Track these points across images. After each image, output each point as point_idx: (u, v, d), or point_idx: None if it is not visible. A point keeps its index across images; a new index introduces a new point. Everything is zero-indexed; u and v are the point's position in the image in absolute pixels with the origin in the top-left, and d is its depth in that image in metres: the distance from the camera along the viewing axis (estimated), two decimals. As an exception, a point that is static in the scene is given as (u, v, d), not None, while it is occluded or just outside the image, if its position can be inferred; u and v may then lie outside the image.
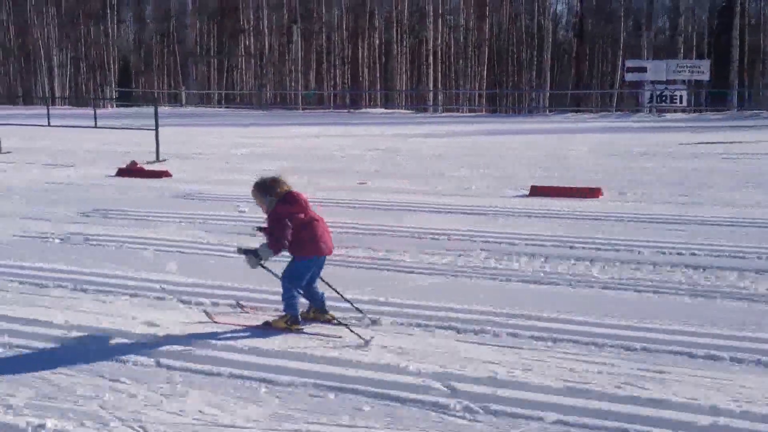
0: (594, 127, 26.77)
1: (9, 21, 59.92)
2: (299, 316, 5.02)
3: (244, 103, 52.13)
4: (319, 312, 5.16)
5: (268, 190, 4.99)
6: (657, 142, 20.30)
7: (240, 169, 14.58)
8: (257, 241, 5.49)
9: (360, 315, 5.18)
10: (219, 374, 4.20)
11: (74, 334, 4.88)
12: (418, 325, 5.04)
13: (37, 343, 4.72)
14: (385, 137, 22.24)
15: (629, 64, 39.32)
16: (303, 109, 44.64)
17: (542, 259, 6.95)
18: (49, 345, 4.70)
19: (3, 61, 61.68)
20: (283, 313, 5.03)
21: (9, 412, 3.72)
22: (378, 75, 53.38)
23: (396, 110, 43.68)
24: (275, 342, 4.72)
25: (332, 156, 16.98)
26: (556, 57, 54.36)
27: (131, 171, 13.89)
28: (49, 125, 18.94)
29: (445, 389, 3.97)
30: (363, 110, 42.17)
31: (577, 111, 40.83)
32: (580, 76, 53.89)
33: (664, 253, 7.15)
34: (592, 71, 54.56)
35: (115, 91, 51.35)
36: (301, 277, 4.98)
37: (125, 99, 50.36)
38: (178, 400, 3.89)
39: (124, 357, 4.46)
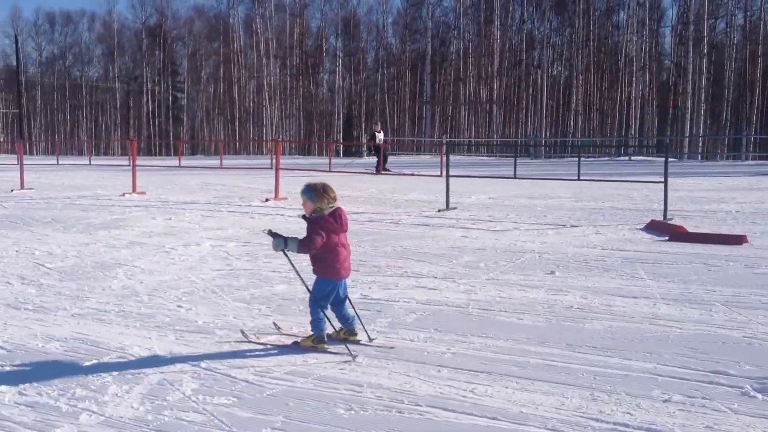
0: None
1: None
2: (324, 336, 5.27)
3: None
4: (348, 333, 5.37)
5: (319, 197, 5.09)
6: None
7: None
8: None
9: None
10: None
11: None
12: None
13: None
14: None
15: None
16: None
17: None
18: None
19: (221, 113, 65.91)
20: (311, 333, 5.31)
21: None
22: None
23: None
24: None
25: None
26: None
27: (685, 235, 10.32)
28: (514, 177, 16.14)
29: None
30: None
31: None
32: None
33: None
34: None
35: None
36: (326, 297, 5.20)
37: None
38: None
39: None
